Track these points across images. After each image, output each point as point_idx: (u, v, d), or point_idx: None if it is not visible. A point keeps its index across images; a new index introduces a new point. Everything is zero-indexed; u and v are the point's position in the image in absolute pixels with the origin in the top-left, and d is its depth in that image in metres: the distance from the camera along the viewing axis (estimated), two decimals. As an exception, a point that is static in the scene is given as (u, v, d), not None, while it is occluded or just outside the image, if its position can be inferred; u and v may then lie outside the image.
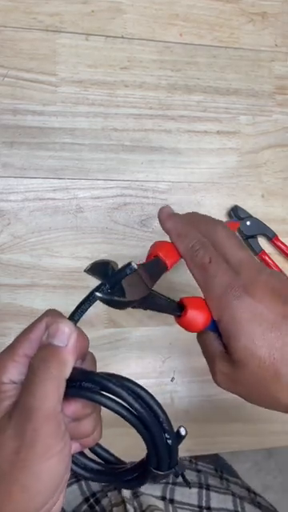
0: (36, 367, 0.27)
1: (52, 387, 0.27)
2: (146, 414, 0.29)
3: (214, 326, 0.34)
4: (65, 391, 0.28)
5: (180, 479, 0.47)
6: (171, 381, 0.51)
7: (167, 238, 0.35)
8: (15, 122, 0.51)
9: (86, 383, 0.29)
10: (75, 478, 0.52)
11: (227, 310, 0.31)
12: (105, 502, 0.48)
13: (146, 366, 0.52)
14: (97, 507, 0.49)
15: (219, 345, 0.33)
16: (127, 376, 0.53)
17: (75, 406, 0.29)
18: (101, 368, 0.51)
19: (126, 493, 0.48)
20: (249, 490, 0.59)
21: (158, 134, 0.54)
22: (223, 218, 0.55)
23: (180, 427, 0.31)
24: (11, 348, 0.30)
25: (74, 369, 0.29)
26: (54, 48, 0.52)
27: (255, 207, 0.56)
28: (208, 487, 0.52)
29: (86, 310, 0.31)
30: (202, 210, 0.54)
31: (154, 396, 0.30)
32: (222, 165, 0.56)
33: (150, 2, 0.55)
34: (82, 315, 0.31)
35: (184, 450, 0.51)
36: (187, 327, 0.34)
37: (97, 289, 0.30)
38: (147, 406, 0.30)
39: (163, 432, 0.30)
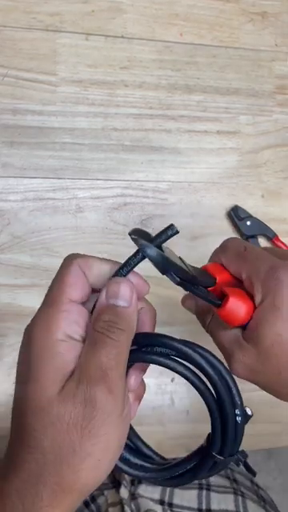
0: (104, 329, 0.26)
1: (123, 348, 0.26)
2: (220, 385, 0.28)
3: None
4: (136, 356, 0.27)
5: None
6: (171, 381, 0.51)
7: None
8: (15, 122, 0.51)
9: (159, 348, 0.28)
10: None
11: (271, 292, 0.28)
12: (101, 500, 0.48)
13: (145, 366, 0.52)
14: (92, 505, 0.48)
15: (238, 333, 0.31)
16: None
17: (138, 373, 0.29)
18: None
19: (124, 493, 0.47)
20: (252, 481, 0.58)
21: (158, 134, 0.54)
22: (223, 218, 0.55)
23: (246, 407, 0.29)
24: (53, 300, 0.28)
25: (139, 333, 0.28)
26: (53, 48, 0.52)
27: (255, 207, 0.56)
28: (208, 487, 0.52)
29: (134, 266, 0.29)
30: (202, 210, 0.54)
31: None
32: (222, 165, 0.56)
33: (150, 2, 0.55)
34: (129, 271, 0.29)
35: (185, 450, 0.51)
36: (228, 317, 0.31)
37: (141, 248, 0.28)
38: (220, 376, 0.28)
39: (233, 407, 0.28)
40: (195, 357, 0.28)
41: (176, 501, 0.49)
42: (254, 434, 0.52)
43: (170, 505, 0.48)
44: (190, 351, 0.28)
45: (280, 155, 0.57)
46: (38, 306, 0.31)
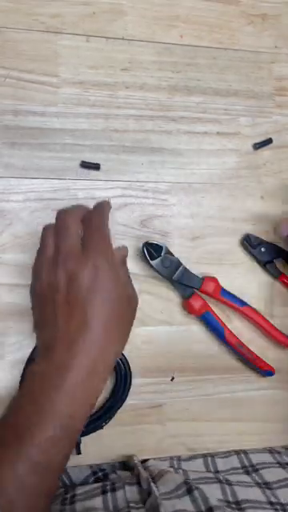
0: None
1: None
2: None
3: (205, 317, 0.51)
4: None
5: (185, 455, 0.50)
6: (171, 380, 0.52)
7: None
8: (16, 123, 0.51)
9: None
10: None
11: None
12: (112, 476, 0.48)
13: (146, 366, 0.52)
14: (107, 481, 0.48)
15: None
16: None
17: None
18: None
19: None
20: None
21: (159, 135, 0.55)
22: (222, 218, 0.56)
23: None
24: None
25: None
26: (55, 49, 0.53)
27: (254, 208, 0.56)
28: (212, 455, 0.51)
29: None
30: (201, 211, 0.55)
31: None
32: (222, 166, 0.56)
33: (150, 4, 0.56)
34: None
35: (184, 449, 0.51)
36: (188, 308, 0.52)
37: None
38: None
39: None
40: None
41: (184, 467, 0.49)
42: (254, 433, 0.53)
43: (179, 469, 0.48)
44: None
45: (279, 156, 0.58)
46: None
